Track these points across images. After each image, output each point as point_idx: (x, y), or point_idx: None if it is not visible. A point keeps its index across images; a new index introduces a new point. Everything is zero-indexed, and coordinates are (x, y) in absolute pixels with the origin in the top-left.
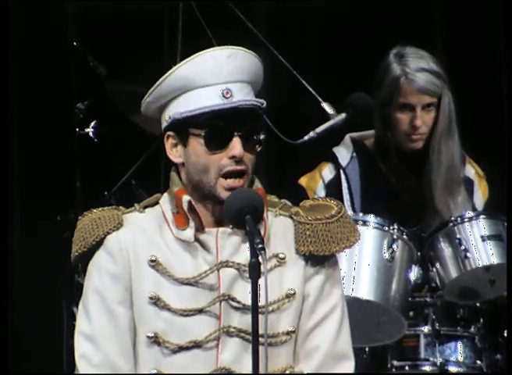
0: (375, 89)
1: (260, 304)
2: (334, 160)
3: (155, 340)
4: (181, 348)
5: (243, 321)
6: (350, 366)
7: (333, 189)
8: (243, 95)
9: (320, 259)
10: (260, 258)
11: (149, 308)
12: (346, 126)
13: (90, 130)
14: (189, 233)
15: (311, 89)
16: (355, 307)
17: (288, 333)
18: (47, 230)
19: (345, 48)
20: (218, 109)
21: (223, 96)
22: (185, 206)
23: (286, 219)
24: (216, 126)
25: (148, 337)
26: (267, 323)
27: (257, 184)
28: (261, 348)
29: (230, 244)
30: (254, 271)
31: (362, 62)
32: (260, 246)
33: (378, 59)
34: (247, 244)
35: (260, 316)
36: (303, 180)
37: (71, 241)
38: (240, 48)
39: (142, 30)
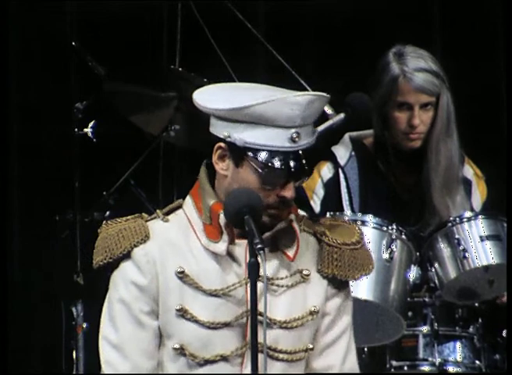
0: (373, 88)
1: (285, 318)
2: (333, 159)
3: (181, 352)
4: (207, 362)
5: (269, 336)
6: None
7: (332, 188)
8: (307, 137)
9: (339, 282)
10: (259, 258)
11: (176, 320)
12: (345, 126)
13: (88, 130)
14: (222, 246)
15: (309, 89)
16: (354, 307)
17: (307, 350)
18: (46, 229)
19: (344, 49)
20: (282, 152)
21: (292, 140)
22: (222, 222)
23: (310, 237)
24: (277, 170)
25: (175, 348)
26: (266, 327)
27: (292, 203)
28: (280, 365)
29: (273, 257)
30: (253, 271)
31: (361, 62)
32: (259, 246)
33: (378, 59)
34: (276, 257)
35: (285, 331)
36: None
37: (69, 241)
38: (320, 94)
39: (141, 31)
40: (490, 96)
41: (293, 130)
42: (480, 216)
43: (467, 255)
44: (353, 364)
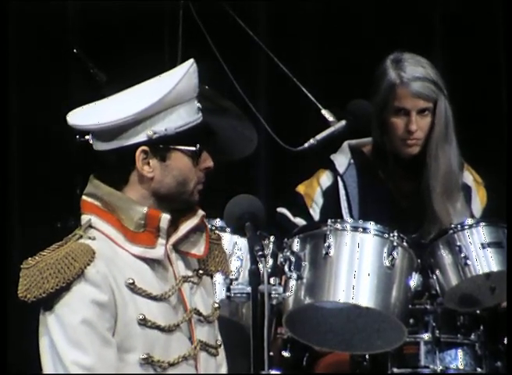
0: (372, 94)
1: (206, 313)
2: (332, 167)
3: (148, 361)
4: (172, 365)
5: (204, 333)
6: None
7: (331, 196)
8: None
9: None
10: (260, 265)
11: (139, 329)
12: (346, 133)
13: (89, 137)
14: (160, 251)
15: (310, 96)
16: (355, 314)
17: (221, 344)
18: (47, 237)
19: (345, 54)
20: (197, 124)
21: (198, 109)
22: (165, 224)
23: None
24: (205, 142)
25: (142, 359)
26: (270, 331)
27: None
28: (214, 361)
29: (177, 257)
30: (254, 278)
31: (361, 67)
32: (260, 253)
33: (377, 65)
34: (189, 258)
35: (210, 327)
36: (301, 188)
37: None
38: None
39: (141, 37)
40: (491, 101)
41: (195, 101)
42: (481, 223)
43: (468, 262)
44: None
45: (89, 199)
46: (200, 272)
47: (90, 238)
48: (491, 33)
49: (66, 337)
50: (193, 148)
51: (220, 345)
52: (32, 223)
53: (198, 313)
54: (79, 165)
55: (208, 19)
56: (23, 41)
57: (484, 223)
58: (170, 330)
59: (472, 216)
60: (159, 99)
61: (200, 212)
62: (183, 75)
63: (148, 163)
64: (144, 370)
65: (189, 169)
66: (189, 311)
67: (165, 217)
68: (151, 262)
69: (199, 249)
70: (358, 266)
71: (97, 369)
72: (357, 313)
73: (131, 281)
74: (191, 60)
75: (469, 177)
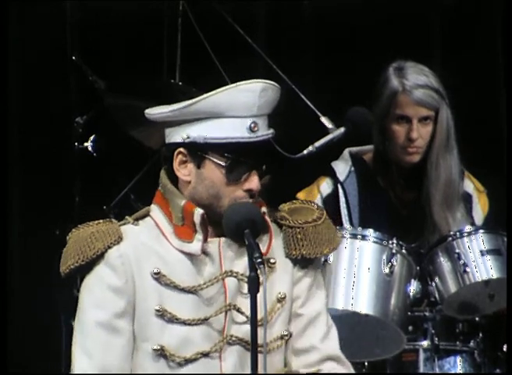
0: (373, 102)
1: (260, 316)
2: (332, 175)
3: (161, 353)
4: (187, 361)
5: (244, 331)
6: (347, 369)
7: (331, 204)
8: (265, 128)
9: (306, 262)
10: (259, 272)
11: (155, 321)
12: (345, 140)
13: (89, 145)
14: (196, 246)
15: (309, 103)
16: (354, 321)
17: (282, 337)
18: (46, 243)
19: (343, 63)
20: (243, 142)
21: (250, 129)
22: (197, 219)
23: (272, 225)
24: (239, 161)
25: (154, 349)
26: (266, 335)
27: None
28: (259, 357)
29: (232, 254)
30: (253, 285)
31: (360, 76)
32: (259, 260)
33: (377, 73)
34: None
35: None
36: (301, 195)
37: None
38: (271, 82)
39: (141, 45)
40: (490, 110)
41: (250, 120)
42: (480, 231)
43: (467, 269)
44: (334, 341)
45: (160, 189)
46: (271, 261)
47: (133, 224)
48: (491, 33)
49: (79, 316)
50: (222, 162)
51: (276, 340)
52: (31, 231)
53: (236, 308)
54: (78, 172)
55: (207, 26)
56: (23, 44)
57: (483, 231)
58: (193, 324)
59: (473, 224)
60: (186, 104)
61: (262, 210)
62: (222, 89)
63: (186, 167)
64: (155, 362)
65: (221, 183)
66: (223, 306)
67: (198, 212)
68: (196, 256)
69: (263, 246)
70: (357, 273)
71: (94, 354)
72: (356, 320)
73: (156, 271)
74: (253, 81)
75: (470, 185)
